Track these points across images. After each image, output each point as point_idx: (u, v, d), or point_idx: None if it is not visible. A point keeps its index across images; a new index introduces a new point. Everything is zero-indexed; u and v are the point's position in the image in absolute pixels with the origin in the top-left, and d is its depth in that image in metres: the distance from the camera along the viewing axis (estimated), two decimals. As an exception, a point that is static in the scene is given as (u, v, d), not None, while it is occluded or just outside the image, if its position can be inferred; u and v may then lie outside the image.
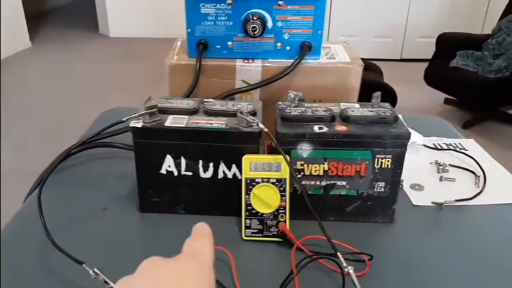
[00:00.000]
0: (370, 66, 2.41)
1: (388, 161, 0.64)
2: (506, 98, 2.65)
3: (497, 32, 2.86)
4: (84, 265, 0.53)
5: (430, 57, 2.99)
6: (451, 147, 0.90)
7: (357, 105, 0.70)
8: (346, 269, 0.53)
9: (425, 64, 2.95)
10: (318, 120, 0.65)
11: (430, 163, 0.84)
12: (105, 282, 0.51)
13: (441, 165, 0.82)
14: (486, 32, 3.20)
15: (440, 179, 0.79)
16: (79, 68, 3.82)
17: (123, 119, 0.64)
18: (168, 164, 0.66)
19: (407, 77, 3.42)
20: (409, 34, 3.94)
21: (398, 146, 0.63)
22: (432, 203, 0.72)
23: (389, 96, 2.24)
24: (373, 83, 2.19)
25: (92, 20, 4.82)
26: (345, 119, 0.65)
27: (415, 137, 0.88)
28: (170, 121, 0.65)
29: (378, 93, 0.70)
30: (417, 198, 0.74)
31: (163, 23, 4.31)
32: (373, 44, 3.91)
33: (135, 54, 4.13)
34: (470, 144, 0.92)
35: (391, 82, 2.36)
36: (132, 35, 4.52)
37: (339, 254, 0.54)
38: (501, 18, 2.93)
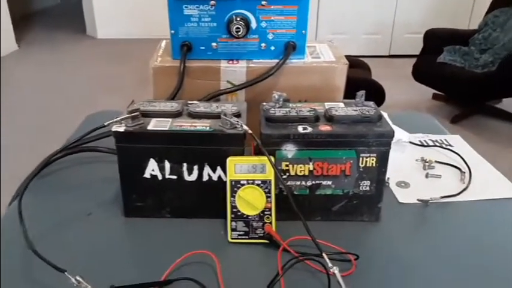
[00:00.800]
0: (357, 63, 2.41)
1: (372, 160, 0.64)
2: (493, 92, 2.67)
3: (483, 27, 2.88)
4: (66, 273, 0.52)
5: (418, 53, 3.01)
6: (437, 144, 0.91)
7: (341, 105, 0.70)
8: (331, 270, 0.53)
9: (414, 60, 2.96)
10: (302, 120, 0.65)
11: (416, 160, 0.84)
12: (88, 289, 0.50)
13: (427, 162, 0.82)
14: (472, 27, 3.22)
15: (426, 176, 0.80)
16: (67, 70, 3.78)
17: (105, 124, 0.63)
18: (152, 168, 0.65)
19: (395, 73, 3.43)
20: (397, 30, 3.96)
21: (383, 145, 0.63)
22: (418, 200, 0.72)
23: (377, 93, 2.25)
24: (361, 80, 2.19)
25: (80, 21, 4.77)
26: (329, 118, 0.65)
27: (401, 134, 0.88)
28: (153, 124, 0.64)
29: (362, 92, 0.70)
30: (403, 196, 0.74)
31: (151, 24, 4.27)
32: (362, 41, 3.92)
33: (123, 55, 4.10)
34: (456, 140, 0.93)
35: (379, 78, 2.36)
36: (119, 36, 4.49)
37: (324, 254, 0.54)
38: (487, 13, 2.95)
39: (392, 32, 3.97)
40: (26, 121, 2.84)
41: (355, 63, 2.35)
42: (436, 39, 2.90)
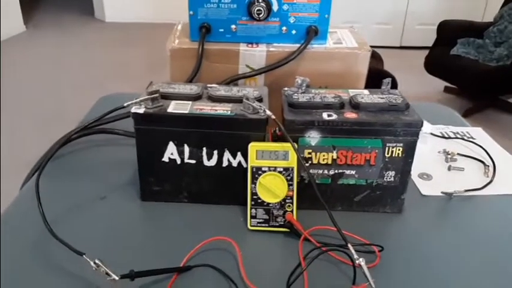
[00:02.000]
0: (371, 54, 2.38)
1: (399, 150, 0.62)
2: (506, 86, 2.63)
3: (499, 19, 2.82)
4: (84, 256, 0.51)
5: (429, 44, 2.96)
6: (458, 136, 0.88)
7: (366, 92, 0.68)
8: (357, 261, 0.51)
9: (424, 52, 2.92)
10: (327, 107, 0.63)
11: (438, 152, 0.82)
12: (107, 273, 0.49)
13: (449, 154, 0.80)
14: (487, 20, 3.17)
15: (449, 169, 0.78)
16: (74, 53, 3.76)
17: (125, 104, 0.61)
18: (171, 152, 0.63)
19: (406, 64, 3.38)
20: (409, 21, 3.90)
21: (410, 134, 0.61)
22: (442, 193, 0.70)
23: (391, 84, 2.21)
24: (374, 70, 2.16)
25: (88, 4, 4.73)
26: (355, 106, 0.63)
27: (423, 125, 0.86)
28: (173, 107, 0.62)
29: (388, 80, 0.67)
30: (426, 188, 0.72)
31: (160, 7, 4.25)
32: (373, 30, 3.86)
33: (131, 39, 4.07)
34: (478, 133, 0.90)
35: (390, 70, 2.33)
36: (128, 19, 4.45)
37: (349, 245, 0.52)
38: (503, 5, 2.89)
39: (404, 23, 3.91)
40: (33, 105, 2.82)
41: (368, 53, 2.31)
42: (450, 31, 2.85)
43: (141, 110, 0.61)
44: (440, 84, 3.00)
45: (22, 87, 3.07)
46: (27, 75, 3.28)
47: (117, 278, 0.49)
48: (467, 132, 0.90)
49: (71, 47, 3.90)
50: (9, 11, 3.96)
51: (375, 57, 2.45)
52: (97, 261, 0.49)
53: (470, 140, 0.86)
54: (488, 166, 0.78)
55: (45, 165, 0.63)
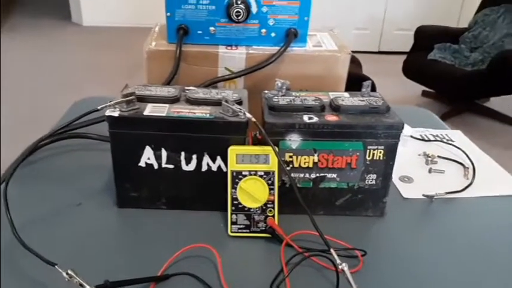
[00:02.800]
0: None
1: (380, 153, 0.61)
2: (482, 91, 2.68)
3: (473, 25, 2.89)
4: (56, 267, 0.48)
5: (407, 49, 3.00)
6: (438, 139, 0.89)
7: (347, 95, 0.67)
8: (340, 266, 0.50)
9: (403, 57, 2.95)
10: (308, 109, 0.62)
11: (419, 154, 0.82)
12: (81, 285, 0.46)
13: (430, 157, 0.80)
14: (462, 25, 3.23)
15: (430, 171, 0.78)
16: (51, 57, 3.67)
17: (98, 107, 0.59)
18: (148, 156, 0.61)
19: (384, 69, 3.42)
20: (386, 27, 3.95)
21: (391, 137, 0.61)
22: (423, 195, 0.70)
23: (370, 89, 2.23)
24: (353, 75, 2.17)
25: (65, 8, 4.65)
26: (336, 108, 0.62)
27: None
28: (149, 110, 0.60)
29: (368, 82, 0.67)
30: (407, 191, 0.72)
31: (138, 11, 4.20)
32: (351, 36, 3.90)
33: (109, 43, 4.00)
34: (457, 136, 0.91)
35: (369, 74, 2.34)
36: (105, 23, 4.39)
37: (332, 250, 0.51)
38: (477, 11, 2.96)
39: (382, 28, 3.97)
40: (9, 109, 2.75)
41: (347, 58, 2.32)
42: (427, 36, 2.90)
43: (116, 113, 0.59)
44: (418, 88, 3.04)
45: (-4, 92, 2.99)
46: (3, 80, 3.19)
47: (90, 289, 0.46)
48: (446, 134, 0.91)
49: (47, 51, 3.81)
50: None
51: (354, 62, 2.47)
52: (70, 272, 0.47)
53: (450, 142, 0.87)
54: (468, 168, 0.78)
55: (13, 171, 0.60)
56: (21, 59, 3.58)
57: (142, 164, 0.62)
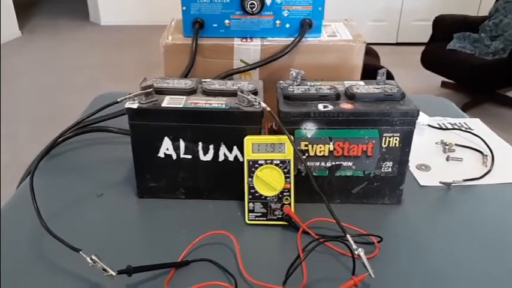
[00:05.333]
0: (367, 50, 2.37)
1: (396, 140, 0.61)
2: (503, 80, 2.62)
3: (494, 13, 2.82)
4: (81, 252, 0.50)
5: (425, 40, 2.96)
6: (456, 127, 0.88)
7: (362, 83, 0.68)
8: (356, 252, 0.50)
9: (421, 47, 2.91)
10: (323, 98, 0.62)
11: (436, 143, 0.82)
12: (104, 269, 0.48)
13: (447, 145, 0.80)
14: (482, 14, 3.17)
15: (447, 159, 0.77)
16: (70, 57, 3.74)
17: (118, 100, 0.61)
18: (166, 147, 0.63)
19: (403, 60, 3.38)
20: (404, 17, 3.90)
21: (407, 124, 0.61)
22: (440, 183, 0.70)
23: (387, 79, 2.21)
24: (370, 67, 2.15)
25: (83, 8, 4.72)
26: (351, 96, 0.63)
27: (420, 117, 0.85)
28: (167, 101, 0.62)
29: (383, 70, 0.67)
30: (424, 179, 0.72)
31: (155, 10, 4.24)
32: (368, 27, 3.86)
33: (127, 42, 4.06)
34: (476, 124, 0.90)
35: (387, 66, 2.32)
36: (123, 22, 4.44)
37: (348, 236, 0.52)
38: (498, -1, 2.89)
39: (400, 19, 3.91)
40: (29, 109, 2.81)
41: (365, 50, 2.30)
42: (446, 26, 2.85)
43: (135, 105, 0.60)
44: (437, 79, 3.00)
45: (18, 91, 3.06)
46: (23, 80, 3.27)
47: (114, 274, 0.48)
48: (464, 123, 0.90)
49: (66, 51, 3.89)
50: (4, 16, 3.94)
51: (371, 54, 2.45)
52: (93, 257, 0.49)
53: (468, 130, 0.86)
54: (487, 156, 0.77)
55: (38, 163, 0.62)
56: (41, 60, 3.65)
57: (161, 154, 0.63)
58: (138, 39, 4.00)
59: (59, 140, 0.72)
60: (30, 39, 4.18)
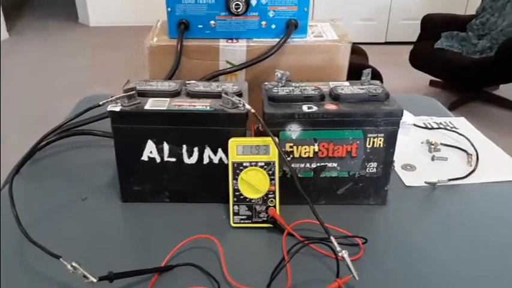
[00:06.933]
0: (355, 49, 2.36)
1: (380, 140, 0.61)
2: (490, 78, 2.65)
3: (481, 12, 2.85)
4: (61, 259, 0.49)
5: (414, 39, 2.97)
6: (441, 126, 0.88)
7: (347, 83, 0.67)
8: (340, 254, 0.50)
9: (410, 47, 2.93)
10: (307, 99, 0.62)
11: (421, 142, 0.82)
12: (84, 276, 0.47)
13: (432, 145, 0.80)
14: (469, 13, 3.19)
15: (432, 159, 0.77)
16: (59, 58, 3.71)
17: (100, 103, 0.60)
18: (150, 150, 0.62)
19: (392, 60, 3.40)
20: (393, 17, 3.92)
21: (391, 124, 0.61)
22: (425, 182, 0.70)
23: (376, 79, 2.21)
24: (358, 66, 2.16)
25: (72, 9, 4.68)
26: (335, 97, 0.63)
27: (405, 117, 0.85)
28: (150, 104, 0.61)
29: (368, 71, 0.67)
30: (409, 179, 0.72)
31: (145, 10, 4.21)
32: (357, 27, 3.87)
33: (116, 43, 4.03)
34: (461, 123, 0.90)
35: (376, 65, 2.33)
36: (112, 23, 4.41)
37: (332, 238, 0.52)
38: (485, -2, 2.91)
39: (388, 18, 3.93)
40: (17, 110, 2.78)
41: (352, 49, 2.31)
42: (434, 25, 2.86)
43: (118, 108, 0.59)
44: (426, 78, 3.01)
45: (7, 93, 3.03)
46: (11, 82, 3.23)
47: (95, 280, 0.48)
48: (450, 122, 0.90)
49: (55, 52, 3.85)
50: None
51: (360, 53, 2.45)
52: (74, 264, 0.48)
53: (453, 129, 0.86)
54: (471, 155, 0.78)
55: (20, 168, 0.61)
56: (30, 62, 3.62)
57: (145, 158, 0.62)
58: (127, 40, 3.97)
59: (41, 144, 0.71)
60: (19, 40, 4.13)
